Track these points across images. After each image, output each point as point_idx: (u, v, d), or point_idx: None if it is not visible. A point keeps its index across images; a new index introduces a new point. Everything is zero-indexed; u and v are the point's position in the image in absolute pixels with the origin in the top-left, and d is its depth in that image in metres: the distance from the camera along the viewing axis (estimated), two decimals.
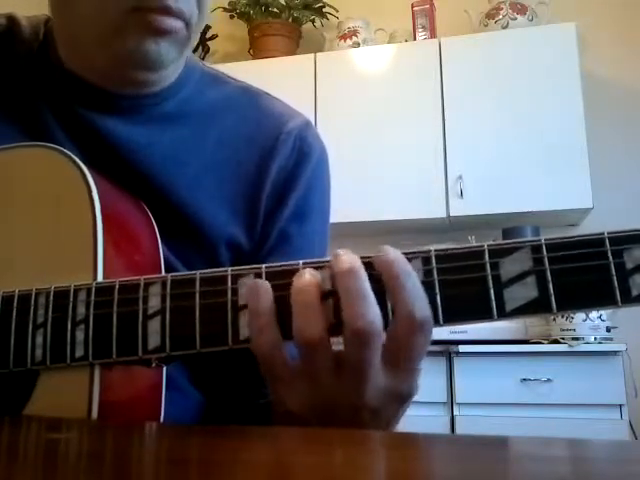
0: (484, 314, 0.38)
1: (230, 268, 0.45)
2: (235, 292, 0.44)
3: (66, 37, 0.66)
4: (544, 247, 0.38)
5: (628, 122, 3.11)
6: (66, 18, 0.65)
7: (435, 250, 0.39)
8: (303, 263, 0.43)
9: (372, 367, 0.43)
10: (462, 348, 2.52)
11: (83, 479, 0.29)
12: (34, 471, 0.30)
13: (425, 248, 0.39)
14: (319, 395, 0.45)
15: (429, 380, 2.58)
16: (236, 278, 0.44)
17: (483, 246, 0.39)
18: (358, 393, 0.44)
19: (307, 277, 0.43)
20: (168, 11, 0.58)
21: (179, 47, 0.62)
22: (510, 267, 0.38)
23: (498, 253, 0.39)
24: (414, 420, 2.46)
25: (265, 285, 0.44)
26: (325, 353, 0.43)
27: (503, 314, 0.38)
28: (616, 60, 3.16)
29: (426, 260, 0.40)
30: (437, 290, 0.39)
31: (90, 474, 0.30)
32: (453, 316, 0.38)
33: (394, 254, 0.43)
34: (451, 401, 2.55)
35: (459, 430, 2.51)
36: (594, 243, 0.37)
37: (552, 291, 0.37)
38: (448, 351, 2.56)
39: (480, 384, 2.53)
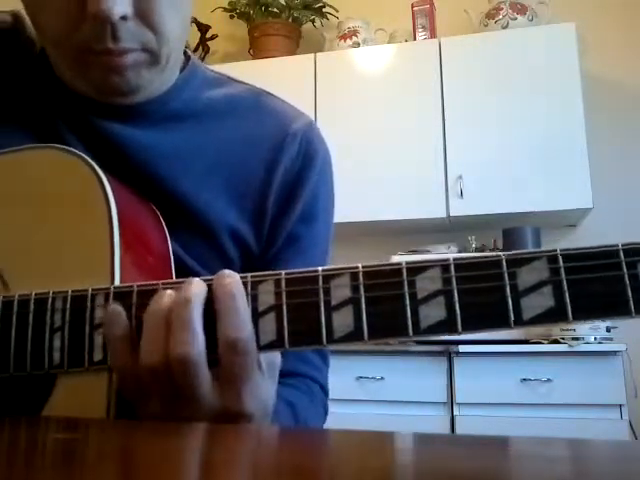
0: (502, 322, 0.39)
1: (250, 274, 0.46)
2: (255, 298, 0.45)
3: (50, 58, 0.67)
4: (560, 257, 0.39)
5: (628, 122, 3.12)
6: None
7: (454, 259, 0.40)
8: (323, 269, 0.43)
9: (198, 389, 0.45)
10: (462, 348, 2.52)
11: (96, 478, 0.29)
12: (51, 471, 0.30)
13: (444, 256, 0.40)
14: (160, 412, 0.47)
15: (429, 380, 2.58)
16: (256, 284, 0.45)
17: (500, 256, 0.39)
18: (188, 413, 0.46)
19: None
20: (111, 53, 0.58)
21: (149, 69, 0.62)
22: (527, 277, 0.39)
23: (515, 263, 0.39)
24: (414, 420, 2.46)
25: (115, 316, 0.46)
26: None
27: (520, 323, 0.38)
28: (616, 60, 3.17)
29: (445, 268, 0.40)
30: (456, 298, 0.39)
31: (101, 474, 0.30)
32: (471, 324, 0.39)
33: (219, 279, 0.45)
34: (451, 401, 2.55)
35: (459, 430, 2.51)
36: (608, 254, 0.38)
37: (568, 301, 0.38)
38: (448, 351, 2.56)
39: (480, 384, 2.53)
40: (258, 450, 0.37)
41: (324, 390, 0.73)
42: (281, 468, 0.30)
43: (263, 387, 0.48)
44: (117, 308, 0.47)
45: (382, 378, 2.64)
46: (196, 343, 0.44)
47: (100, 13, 0.55)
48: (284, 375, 0.63)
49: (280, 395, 0.53)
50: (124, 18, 0.56)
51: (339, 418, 2.45)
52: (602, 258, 0.38)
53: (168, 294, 0.46)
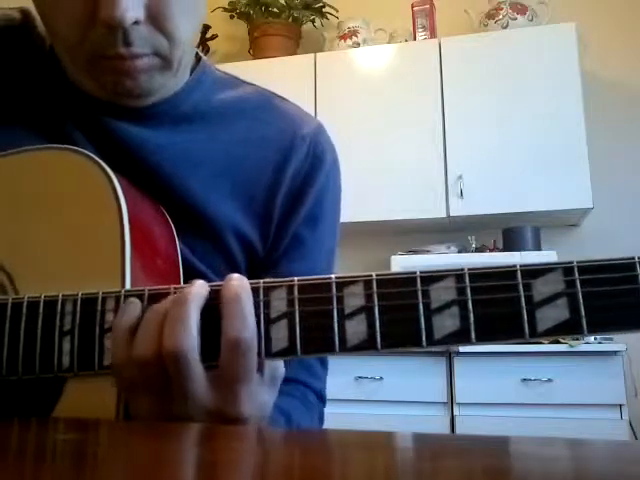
0: (516, 334, 0.38)
1: (262, 280, 0.46)
2: (267, 304, 0.45)
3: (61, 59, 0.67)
4: (576, 269, 0.39)
5: (628, 122, 3.12)
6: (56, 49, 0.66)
7: (469, 269, 0.40)
8: (336, 277, 0.43)
9: (190, 385, 0.45)
10: (462, 348, 2.52)
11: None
12: (56, 471, 0.30)
13: (459, 266, 0.40)
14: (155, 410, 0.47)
15: (429, 380, 2.58)
16: (268, 291, 0.45)
17: (516, 266, 0.39)
18: (182, 411, 0.46)
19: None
20: (123, 57, 0.58)
21: (161, 73, 0.62)
22: (542, 288, 0.39)
23: (530, 274, 0.39)
24: (414, 420, 2.46)
25: (129, 306, 0.46)
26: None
27: (535, 334, 0.38)
28: (616, 60, 3.17)
29: (459, 278, 0.40)
30: (470, 309, 0.39)
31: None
32: (485, 335, 0.39)
33: (226, 281, 0.46)
34: (451, 401, 2.56)
35: (459, 430, 2.51)
36: (625, 267, 0.38)
37: (583, 314, 0.38)
38: (448, 351, 2.57)
39: (480, 384, 2.53)
40: (261, 451, 0.37)
41: (320, 397, 0.72)
42: (286, 469, 0.30)
43: (261, 392, 0.48)
44: (135, 300, 0.47)
45: (381, 378, 2.64)
46: (188, 337, 0.44)
47: (112, 19, 0.54)
48: None
49: (274, 403, 0.53)
50: (136, 23, 0.56)
51: (338, 418, 2.45)
52: (618, 271, 0.38)
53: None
